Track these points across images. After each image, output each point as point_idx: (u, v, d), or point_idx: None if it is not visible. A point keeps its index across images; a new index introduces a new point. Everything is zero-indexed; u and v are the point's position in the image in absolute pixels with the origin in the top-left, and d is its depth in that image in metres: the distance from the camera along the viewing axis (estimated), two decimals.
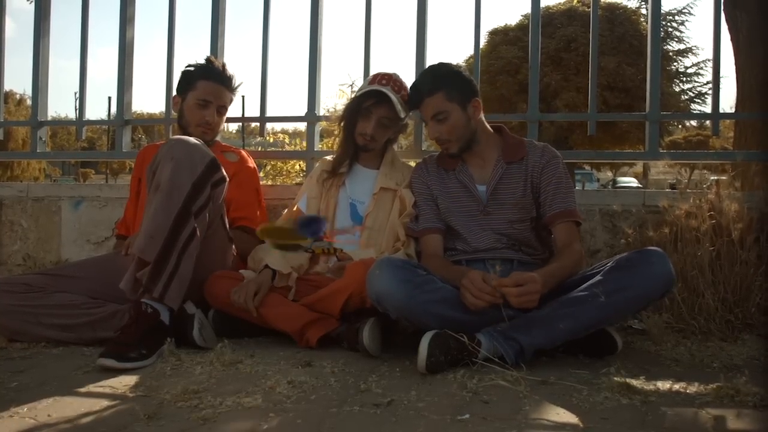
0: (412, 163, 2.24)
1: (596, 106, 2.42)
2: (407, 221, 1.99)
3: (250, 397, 1.29)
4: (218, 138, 2.31)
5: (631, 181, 27.01)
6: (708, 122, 2.86)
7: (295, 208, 2.10)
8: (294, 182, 5.58)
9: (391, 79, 2.03)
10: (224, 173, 1.82)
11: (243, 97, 14.07)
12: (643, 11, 15.12)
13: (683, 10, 16.93)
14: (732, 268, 1.87)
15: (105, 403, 1.28)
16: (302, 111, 2.61)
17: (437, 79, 1.87)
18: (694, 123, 26.06)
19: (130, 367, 1.52)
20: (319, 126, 2.64)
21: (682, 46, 16.68)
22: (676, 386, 1.39)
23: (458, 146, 1.89)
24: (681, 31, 16.87)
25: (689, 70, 16.83)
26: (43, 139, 2.91)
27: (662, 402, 1.28)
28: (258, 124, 2.71)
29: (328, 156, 2.22)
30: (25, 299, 1.79)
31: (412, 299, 1.57)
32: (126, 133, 2.81)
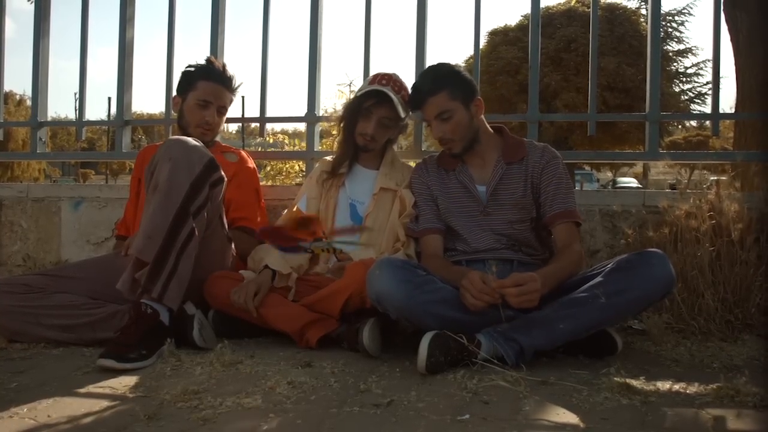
0: (412, 164, 2.24)
1: (596, 106, 2.42)
2: (407, 221, 1.98)
3: (250, 397, 1.29)
4: (218, 138, 2.31)
5: (631, 182, 27.01)
6: (708, 122, 2.85)
7: (294, 209, 2.10)
8: (294, 183, 5.58)
9: (392, 79, 2.04)
10: (222, 173, 1.82)
11: (243, 97, 14.09)
12: (643, 11, 15.10)
13: (683, 11, 16.91)
14: (732, 269, 1.87)
15: (105, 403, 1.28)
16: (302, 111, 2.61)
17: (439, 78, 1.87)
18: (694, 123, 26.03)
19: (130, 367, 1.52)
20: (319, 126, 2.64)
21: (681, 47, 16.66)
22: (676, 386, 1.39)
23: (462, 146, 1.89)
24: (681, 32, 16.83)
25: (689, 71, 16.80)
26: (43, 139, 2.91)
27: (662, 402, 1.28)
28: (258, 124, 2.71)
29: (328, 156, 2.22)
30: (25, 300, 1.79)
31: (412, 299, 1.57)
32: (126, 133, 2.81)
